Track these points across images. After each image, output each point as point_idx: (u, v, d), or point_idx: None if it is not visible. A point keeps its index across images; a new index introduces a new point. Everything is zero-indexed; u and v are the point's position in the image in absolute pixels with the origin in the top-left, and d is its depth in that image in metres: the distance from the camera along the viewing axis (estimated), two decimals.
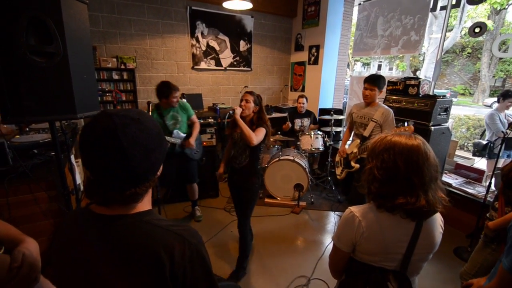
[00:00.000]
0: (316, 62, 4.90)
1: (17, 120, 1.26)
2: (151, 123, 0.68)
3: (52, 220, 1.77)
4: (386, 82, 2.79)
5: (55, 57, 1.24)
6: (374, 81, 2.60)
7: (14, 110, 1.22)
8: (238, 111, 2.11)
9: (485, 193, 2.65)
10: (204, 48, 4.61)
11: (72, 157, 2.15)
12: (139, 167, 0.63)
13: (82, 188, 2.39)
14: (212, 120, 3.82)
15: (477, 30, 3.10)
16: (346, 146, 2.95)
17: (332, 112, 3.84)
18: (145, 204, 0.72)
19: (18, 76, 1.19)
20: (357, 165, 2.78)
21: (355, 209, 1.01)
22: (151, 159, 0.66)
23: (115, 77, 3.93)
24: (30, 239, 0.99)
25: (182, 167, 2.97)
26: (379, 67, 19.97)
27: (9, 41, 1.15)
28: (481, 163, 3.32)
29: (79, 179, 2.27)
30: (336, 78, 5.10)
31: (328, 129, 3.93)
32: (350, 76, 9.19)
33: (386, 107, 2.65)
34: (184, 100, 4.08)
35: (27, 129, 2.57)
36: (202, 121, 3.74)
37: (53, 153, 1.89)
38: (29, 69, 1.21)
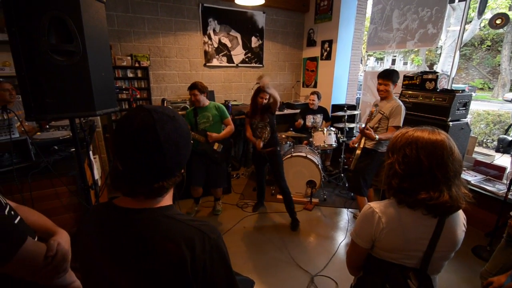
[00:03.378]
0: (328, 57, 4.83)
1: (40, 117, 1.30)
2: (183, 122, 0.72)
3: (73, 213, 1.83)
4: (400, 76, 2.77)
5: (75, 55, 1.27)
6: (387, 75, 2.60)
7: (37, 107, 1.26)
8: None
9: (506, 190, 2.56)
10: (216, 45, 4.62)
11: (90, 153, 2.22)
12: (170, 161, 0.67)
13: (100, 183, 2.46)
14: None
15: (498, 21, 2.98)
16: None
17: (345, 108, 3.79)
18: (167, 199, 0.75)
19: (40, 74, 1.23)
20: (358, 152, 2.75)
21: (374, 205, 0.99)
22: (180, 155, 0.69)
23: (130, 75, 4.01)
24: (62, 230, 1.06)
25: (211, 170, 3.05)
26: (393, 61, 19.47)
27: (31, 41, 1.19)
28: (501, 160, 3.19)
29: (97, 175, 2.33)
30: (349, 74, 5.02)
31: (341, 125, 3.89)
32: (364, 71, 9.01)
33: (399, 102, 2.63)
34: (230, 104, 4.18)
35: (47, 126, 2.66)
36: None
37: (73, 149, 1.95)
38: (51, 68, 1.24)
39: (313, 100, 4.16)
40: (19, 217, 0.93)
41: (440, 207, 0.88)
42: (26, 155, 1.77)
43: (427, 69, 3.46)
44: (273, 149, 2.89)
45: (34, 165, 1.75)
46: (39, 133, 2.35)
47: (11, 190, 1.60)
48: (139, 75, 4.07)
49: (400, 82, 2.98)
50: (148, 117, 0.64)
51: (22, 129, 2.10)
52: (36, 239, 0.99)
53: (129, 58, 3.93)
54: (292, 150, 3.67)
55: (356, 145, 2.89)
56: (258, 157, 3.01)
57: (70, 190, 1.76)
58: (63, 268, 0.96)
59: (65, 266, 0.97)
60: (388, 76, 2.60)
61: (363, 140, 2.75)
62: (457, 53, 3.35)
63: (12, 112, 1.79)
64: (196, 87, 2.88)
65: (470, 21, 8.47)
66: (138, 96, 4.04)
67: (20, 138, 1.77)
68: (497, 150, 3.07)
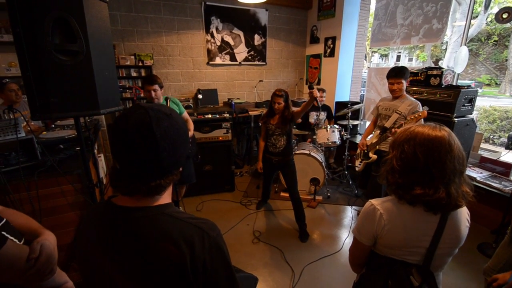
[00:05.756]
0: (332, 54, 4.80)
1: (45, 116, 1.32)
2: (180, 120, 0.71)
3: (78, 211, 1.86)
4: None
5: (78, 55, 1.29)
6: (399, 73, 2.51)
7: (42, 107, 1.28)
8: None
9: None
10: (219, 44, 4.62)
11: (95, 151, 2.24)
12: (167, 159, 0.66)
13: (105, 181, 2.49)
14: (228, 115, 3.84)
15: (505, 15, 2.93)
16: (368, 139, 2.90)
17: (349, 105, 3.77)
18: (166, 197, 0.74)
19: (44, 74, 1.25)
20: (375, 156, 2.73)
21: (376, 202, 0.99)
22: (177, 153, 0.69)
23: (133, 74, 4.04)
24: (48, 232, 1.03)
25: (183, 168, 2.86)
26: (398, 58, 19.25)
27: (36, 41, 1.20)
28: (508, 156, 3.15)
29: (102, 173, 2.36)
30: (353, 70, 4.99)
31: (345, 122, 3.87)
32: (368, 68, 8.94)
33: (414, 99, 2.56)
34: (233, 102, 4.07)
35: (53, 125, 2.70)
36: (217, 116, 3.77)
37: (78, 148, 1.98)
38: (55, 67, 1.26)
39: (321, 97, 4.12)
40: (3, 221, 0.92)
41: (436, 203, 0.87)
42: (32, 154, 1.80)
43: (433, 65, 3.42)
44: (281, 159, 2.78)
45: (40, 164, 1.77)
46: (44, 133, 2.38)
47: (18, 188, 1.63)
48: (143, 74, 4.09)
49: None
50: (144, 115, 0.63)
51: (28, 128, 2.13)
52: (23, 241, 0.97)
53: (132, 57, 3.95)
54: (296, 147, 3.67)
55: (365, 150, 2.88)
56: (269, 163, 2.90)
57: (75, 188, 1.79)
58: (48, 270, 0.93)
59: (51, 268, 0.94)
60: (399, 73, 2.50)
61: (374, 140, 2.73)
62: (465, 48, 3.29)
63: (18, 112, 1.82)
64: (156, 81, 2.56)
65: (476, 16, 8.34)
66: (142, 95, 4.06)
67: (26, 137, 1.80)
68: (507, 147, 3.04)
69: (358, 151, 3.01)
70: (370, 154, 2.77)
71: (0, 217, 0.92)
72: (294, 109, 2.68)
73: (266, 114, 2.81)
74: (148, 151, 0.63)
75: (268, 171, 3.05)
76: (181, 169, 0.75)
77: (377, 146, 2.72)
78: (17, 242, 0.93)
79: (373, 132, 2.90)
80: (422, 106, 2.47)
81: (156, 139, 0.63)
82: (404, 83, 2.53)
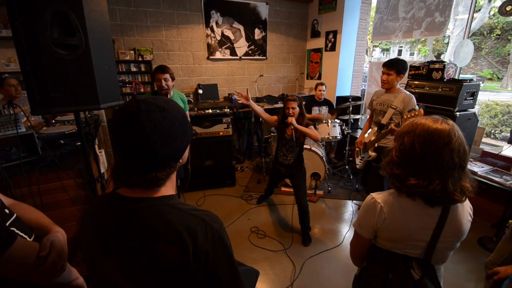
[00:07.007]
0: (333, 48, 4.76)
1: (46, 111, 1.32)
2: (176, 111, 0.69)
3: (80, 206, 1.86)
4: (408, 66, 2.59)
5: (78, 49, 1.28)
6: (391, 64, 2.47)
7: (42, 101, 1.27)
8: (293, 120, 2.48)
9: None
10: (219, 38, 4.59)
11: (96, 147, 2.24)
12: (160, 152, 0.65)
13: (106, 176, 2.49)
14: (228, 110, 3.83)
15: (508, 8, 2.89)
16: (366, 135, 2.88)
17: (350, 100, 3.75)
18: (169, 189, 0.74)
19: (44, 68, 1.25)
20: (374, 154, 2.71)
21: (376, 195, 0.99)
22: (173, 146, 0.68)
23: (133, 69, 4.01)
24: (58, 228, 1.02)
25: None
26: (400, 52, 19.09)
27: (34, 35, 1.20)
28: (509, 151, 3.14)
29: (103, 168, 2.36)
30: (354, 65, 4.95)
31: (346, 117, 3.86)
32: (369, 62, 8.89)
33: (408, 92, 2.51)
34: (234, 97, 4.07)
35: (53, 121, 2.69)
36: (218, 111, 3.76)
37: (79, 143, 1.98)
38: (54, 62, 1.25)
39: (321, 91, 4.12)
40: (14, 216, 0.91)
41: (429, 196, 0.87)
42: (33, 149, 1.80)
43: (434, 59, 3.39)
44: (290, 170, 2.74)
45: (41, 159, 1.77)
46: (45, 128, 2.38)
47: (19, 183, 1.63)
48: (143, 69, 4.07)
49: (406, 72, 2.90)
50: (135, 107, 0.63)
51: (29, 123, 2.13)
52: (33, 236, 0.96)
53: (132, 52, 3.92)
54: None
55: (362, 146, 2.86)
56: (277, 173, 2.90)
57: (76, 183, 1.79)
58: (59, 267, 0.93)
59: (61, 264, 0.94)
60: (392, 65, 2.46)
61: (372, 138, 2.71)
62: (469, 42, 3.25)
63: (18, 107, 1.82)
64: (168, 71, 2.50)
65: (479, 9, 8.25)
66: (142, 90, 4.05)
67: (26, 132, 1.80)
68: (509, 141, 3.04)
69: (357, 148, 2.99)
70: (370, 152, 2.75)
71: (11, 212, 0.91)
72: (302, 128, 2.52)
73: (281, 120, 2.67)
74: (138, 144, 0.63)
75: (275, 179, 3.08)
76: (181, 161, 0.75)
77: (376, 144, 2.70)
78: (27, 238, 0.92)
79: (371, 128, 2.88)
80: (421, 101, 2.44)
81: (145, 131, 0.62)
82: (395, 77, 2.47)
